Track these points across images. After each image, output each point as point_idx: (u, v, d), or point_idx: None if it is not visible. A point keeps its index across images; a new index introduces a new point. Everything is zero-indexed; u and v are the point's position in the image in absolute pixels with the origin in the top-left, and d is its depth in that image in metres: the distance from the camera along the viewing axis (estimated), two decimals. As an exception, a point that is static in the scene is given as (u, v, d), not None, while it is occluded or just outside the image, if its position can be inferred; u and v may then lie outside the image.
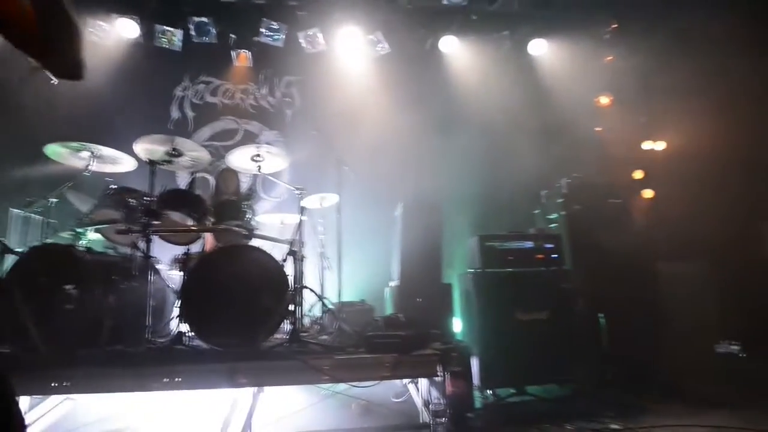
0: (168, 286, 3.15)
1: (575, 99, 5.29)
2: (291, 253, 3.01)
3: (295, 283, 3.01)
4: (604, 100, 5.47)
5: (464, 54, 5.41)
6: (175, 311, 2.90)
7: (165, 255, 3.35)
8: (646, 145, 5.45)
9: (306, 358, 2.63)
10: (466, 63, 5.38)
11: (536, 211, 4.32)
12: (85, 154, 3.10)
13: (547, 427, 2.62)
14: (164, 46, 5.08)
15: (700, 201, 4.98)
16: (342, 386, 3.05)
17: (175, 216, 3.09)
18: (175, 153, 3.16)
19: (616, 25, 5.44)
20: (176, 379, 2.47)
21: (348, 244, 3.88)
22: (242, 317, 2.72)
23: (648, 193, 5.12)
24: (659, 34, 5.08)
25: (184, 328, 2.74)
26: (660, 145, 5.42)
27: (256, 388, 2.57)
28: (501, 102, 4.77)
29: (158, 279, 3.02)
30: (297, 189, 3.39)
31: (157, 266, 3.09)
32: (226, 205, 3.30)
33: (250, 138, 5.39)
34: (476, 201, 4.65)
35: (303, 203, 3.40)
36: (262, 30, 5.11)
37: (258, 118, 5.54)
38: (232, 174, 3.96)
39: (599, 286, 3.67)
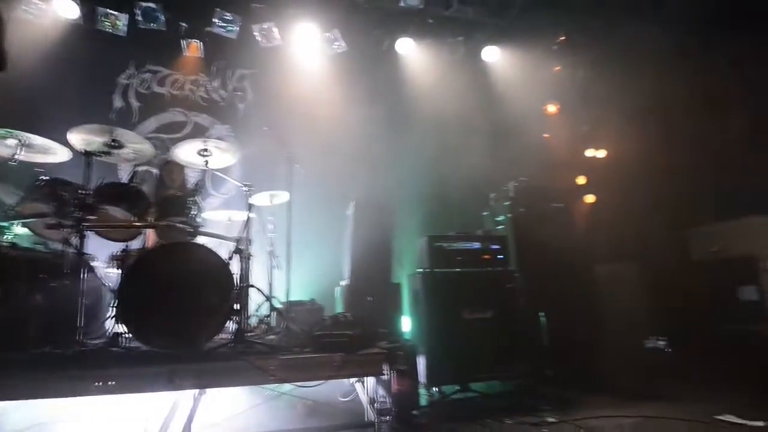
0: (104, 285, 2.99)
1: (525, 106, 5.50)
2: (237, 251, 2.94)
3: (240, 282, 2.94)
4: (552, 108, 5.73)
5: (420, 56, 5.50)
6: (112, 311, 2.75)
7: (103, 252, 3.17)
8: (589, 153, 5.76)
9: (251, 358, 2.57)
10: (421, 65, 5.47)
11: (485, 213, 4.46)
12: (12, 141, 2.86)
13: (489, 422, 2.70)
14: (107, 30, 4.80)
15: (634, 207, 5.32)
16: (288, 387, 3.04)
17: (114, 211, 2.93)
18: (115, 144, 2.99)
19: (563, 38, 5.70)
20: (110, 383, 2.34)
21: (299, 242, 3.83)
22: (184, 317, 2.62)
23: (589, 198, 5.41)
24: (602, 48, 5.38)
25: (121, 328, 2.62)
26: (601, 153, 5.74)
27: (197, 390, 2.49)
28: (454, 105, 4.88)
29: (93, 277, 2.86)
30: (246, 186, 3.32)
31: (93, 263, 2.93)
32: (170, 200, 3.17)
33: (199, 131, 5.21)
34: (427, 202, 4.73)
35: (252, 200, 3.33)
36: (215, 20, 4.95)
37: (208, 111, 5.36)
38: (177, 168, 3.82)
39: (541, 286, 3.84)
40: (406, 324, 3.84)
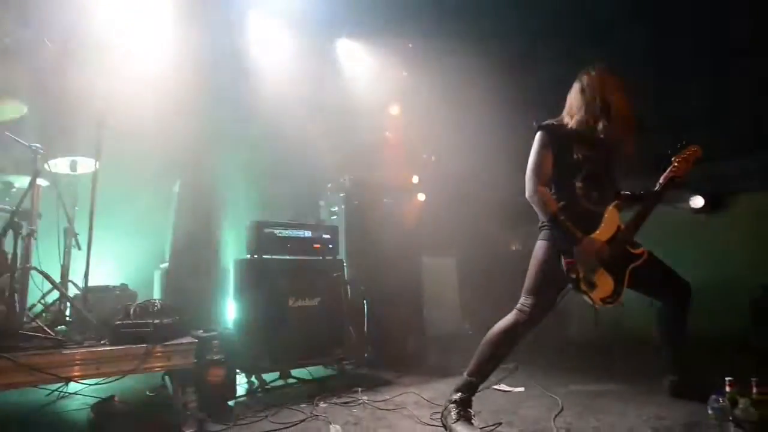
0: None
1: (370, 103, 5.72)
2: (12, 225, 2.42)
3: (15, 264, 2.42)
4: (395, 109, 6.09)
5: (271, 35, 5.26)
6: None
7: None
8: (424, 155, 6.31)
9: (19, 354, 2.15)
10: (272, 51, 5.22)
11: (321, 203, 4.53)
12: None
13: (303, 406, 2.75)
14: None
15: (457, 207, 6.03)
16: (79, 386, 2.65)
17: None
18: None
19: (411, 45, 6.10)
20: None
21: (111, 220, 3.35)
22: None
23: (420, 197, 5.92)
24: (446, 58, 5.89)
25: None
26: (434, 156, 6.35)
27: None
28: (300, 91, 4.80)
29: None
30: (34, 147, 2.75)
31: None
32: None
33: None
34: (262, 186, 4.58)
35: (43, 165, 2.78)
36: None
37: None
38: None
39: (369, 276, 4.08)
40: (231, 311, 3.68)
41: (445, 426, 2.26)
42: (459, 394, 2.27)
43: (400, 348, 4.08)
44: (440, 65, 5.65)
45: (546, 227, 2.42)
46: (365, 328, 4.01)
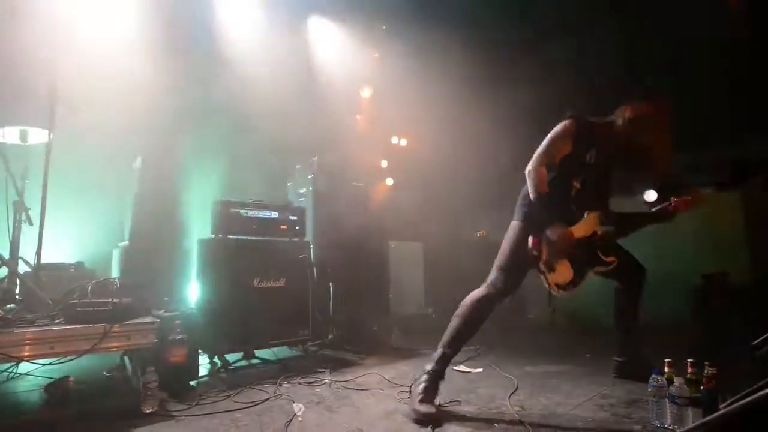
0: None
1: (343, 84, 5.66)
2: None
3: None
4: (367, 92, 6.04)
5: (240, 17, 5.07)
6: None
7: None
8: (394, 140, 6.32)
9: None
10: (242, 26, 5.03)
11: (289, 184, 4.48)
12: None
13: (267, 386, 2.76)
14: None
15: (424, 192, 6.09)
16: (32, 366, 2.56)
17: None
18: None
19: (384, 27, 6.04)
20: None
21: (67, 194, 3.20)
22: None
23: (388, 181, 5.95)
24: (419, 43, 5.87)
25: None
26: (404, 141, 6.37)
27: None
28: (270, 69, 4.68)
29: None
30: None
31: None
32: None
33: None
34: (230, 165, 4.47)
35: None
36: None
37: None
38: None
39: (335, 258, 4.09)
40: (194, 291, 3.62)
41: (410, 392, 2.34)
42: (432, 365, 2.36)
43: (364, 330, 4.14)
44: (413, 49, 5.64)
45: (525, 206, 2.53)
46: (330, 310, 4.03)
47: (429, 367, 2.35)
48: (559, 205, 2.48)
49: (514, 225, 2.55)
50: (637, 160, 2.51)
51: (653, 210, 2.71)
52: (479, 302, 2.44)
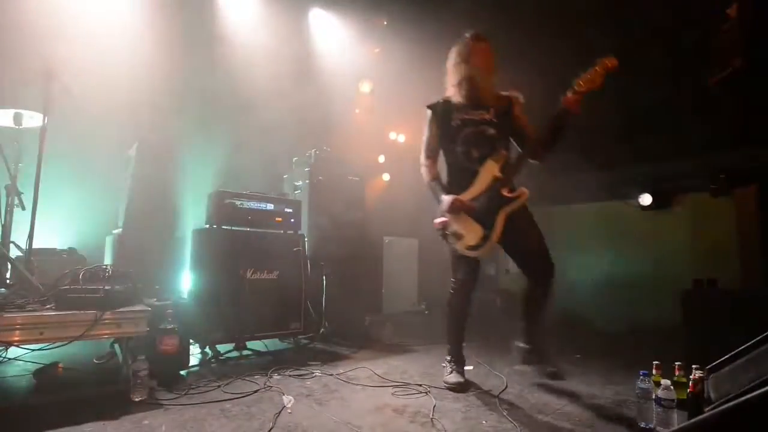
0: None
1: (342, 78, 5.63)
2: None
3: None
4: (366, 86, 6.02)
5: (241, 6, 5.03)
6: None
7: None
8: (392, 135, 6.31)
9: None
10: (243, 15, 4.99)
11: (285, 176, 4.46)
12: None
13: (257, 377, 2.77)
14: None
15: (423, 188, 6.06)
16: (21, 351, 2.55)
17: None
18: None
19: (385, 23, 6.01)
20: None
21: (60, 179, 3.16)
22: None
23: (385, 177, 5.95)
24: (419, 39, 5.84)
25: None
26: (401, 137, 6.35)
27: None
28: (270, 61, 4.65)
29: None
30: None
31: None
32: None
33: None
34: (227, 156, 4.45)
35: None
36: None
37: None
38: None
39: (330, 252, 4.08)
40: (187, 281, 3.61)
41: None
42: (449, 355, 2.80)
43: (356, 325, 4.15)
44: (413, 45, 5.62)
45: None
46: (323, 304, 4.03)
47: (447, 357, 2.80)
48: (458, 176, 2.62)
49: None
50: (476, 92, 2.62)
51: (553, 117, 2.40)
52: (449, 303, 2.78)
